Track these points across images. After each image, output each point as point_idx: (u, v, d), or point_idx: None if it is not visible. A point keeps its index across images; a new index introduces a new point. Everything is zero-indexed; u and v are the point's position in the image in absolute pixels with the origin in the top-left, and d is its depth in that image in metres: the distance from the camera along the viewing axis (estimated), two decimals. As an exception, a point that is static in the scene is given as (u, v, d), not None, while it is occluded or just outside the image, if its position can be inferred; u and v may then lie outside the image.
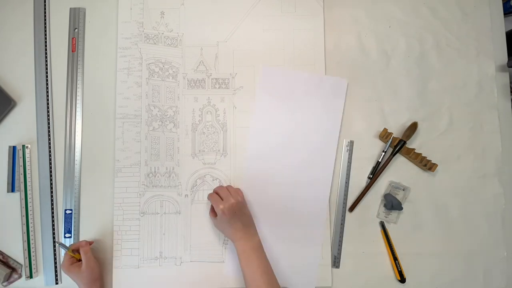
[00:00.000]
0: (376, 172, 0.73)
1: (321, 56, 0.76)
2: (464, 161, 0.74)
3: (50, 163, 0.73)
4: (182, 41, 0.76)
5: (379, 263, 0.71)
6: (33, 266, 0.71)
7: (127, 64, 0.75)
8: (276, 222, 0.71)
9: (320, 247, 0.71)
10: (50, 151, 0.74)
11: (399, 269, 0.70)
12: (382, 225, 0.72)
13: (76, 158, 0.74)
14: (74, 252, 0.67)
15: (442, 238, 0.72)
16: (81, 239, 0.72)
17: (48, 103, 0.75)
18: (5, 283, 0.69)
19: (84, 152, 0.74)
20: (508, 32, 0.78)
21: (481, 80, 0.76)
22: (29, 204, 0.72)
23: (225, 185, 0.72)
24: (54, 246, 0.72)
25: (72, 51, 0.76)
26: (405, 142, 0.72)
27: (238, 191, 0.68)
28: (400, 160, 0.73)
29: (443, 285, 0.71)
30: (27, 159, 0.73)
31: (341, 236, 0.72)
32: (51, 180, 0.73)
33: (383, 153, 0.73)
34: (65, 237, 0.72)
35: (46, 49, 0.76)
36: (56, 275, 0.71)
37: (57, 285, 0.71)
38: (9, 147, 0.73)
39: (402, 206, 0.71)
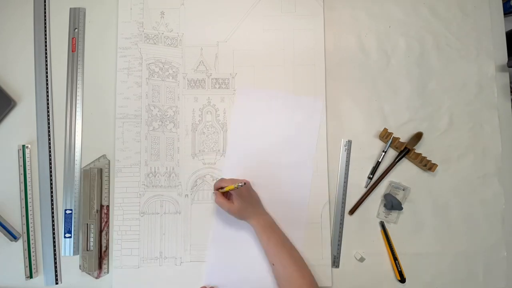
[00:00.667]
0: (378, 175, 0.73)
1: (321, 56, 0.76)
2: (464, 161, 0.74)
3: (50, 163, 0.73)
4: (182, 41, 0.76)
5: (379, 263, 0.71)
6: (33, 266, 0.71)
7: (127, 64, 0.75)
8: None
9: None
10: (50, 151, 0.74)
11: (399, 269, 0.70)
12: (382, 225, 0.72)
13: (76, 158, 0.74)
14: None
15: (442, 238, 0.72)
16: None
17: (48, 103, 0.75)
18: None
19: (84, 152, 0.74)
20: (508, 32, 0.78)
21: (481, 80, 0.76)
22: (29, 204, 0.72)
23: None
24: (54, 246, 0.72)
25: (72, 51, 0.76)
26: (409, 150, 0.72)
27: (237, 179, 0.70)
28: (400, 160, 0.73)
29: (443, 285, 0.71)
30: (27, 159, 0.73)
31: (340, 236, 0.72)
32: (51, 180, 0.73)
33: (383, 153, 0.73)
34: (65, 237, 0.72)
35: (46, 49, 0.76)
36: (56, 275, 0.71)
37: (57, 285, 0.71)
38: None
39: (402, 206, 0.71)
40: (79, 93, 0.75)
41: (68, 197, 0.73)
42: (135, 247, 0.71)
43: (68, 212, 0.72)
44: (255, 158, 0.73)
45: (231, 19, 0.77)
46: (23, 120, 0.74)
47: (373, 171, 0.73)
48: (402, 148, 0.72)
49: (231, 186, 0.64)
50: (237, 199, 0.66)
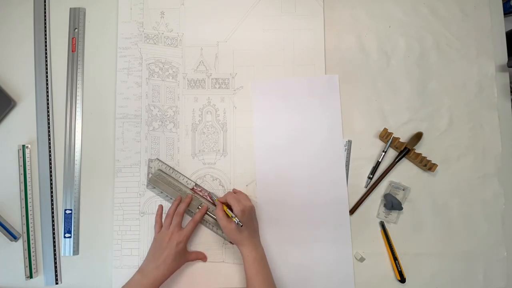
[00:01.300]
0: (378, 175, 0.73)
1: (321, 56, 0.76)
2: (464, 161, 0.74)
3: (50, 163, 0.73)
4: (182, 41, 0.76)
5: (379, 263, 0.71)
6: (33, 266, 0.71)
7: (127, 64, 0.75)
8: (299, 225, 0.71)
9: (349, 242, 0.71)
10: (50, 151, 0.74)
11: (399, 269, 0.70)
12: (382, 225, 0.72)
13: (76, 158, 0.74)
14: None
15: (442, 238, 0.72)
16: (81, 239, 0.72)
17: (48, 103, 0.75)
18: None
19: (84, 152, 0.74)
20: (508, 32, 0.78)
21: (481, 80, 0.76)
22: (29, 204, 0.72)
23: (225, 185, 0.73)
24: (54, 246, 0.72)
25: (72, 51, 0.76)
26: (409, 150, 0.72)
27: (247, 196, 0.68)
28: (400, 160, 0.73)
29: (443, 285, 0.71)
30: (27, 159, 0.73)
31: (341, 236, 0.72)
32: (51, 180, 0.73)
33: (383, 153, 0.73)
34: (65, 237, 0.72)
35: (46, 49, 0.76)
36: (56, 275, 0.71)
37: (57, 285, 0.71)
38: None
39: (402, 206, 0.70)
40: (79, 93, 0.75)
41: (68, 197, 0.73)
42: (135, 247, 0.71)
43: (68, 212, 0.72)
44: (282, 163, 0.73)
45: (231, 19, 0.77)
46: (23, 120, 0.74)
47: (373, 171, 0.73)
48: (402, 148, 0.72)
49: (230, 214, 0.64)
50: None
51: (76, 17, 0.77)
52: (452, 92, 0.76)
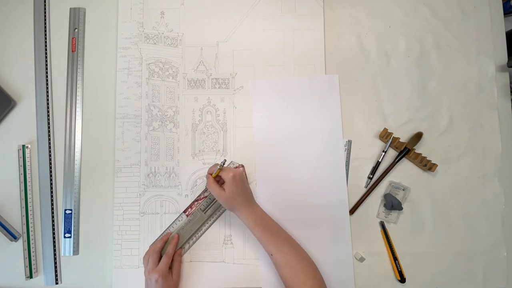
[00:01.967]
0: (378, 175, 0.73)
1: (321, 56, 0.76)
2: (464, 161, 0.74)
3: (50, 163, 0.73)
4: (182, 41, 0.76)
5: (379, 263, 0.71)
6: (33, 266, 0.71)
7: (127, 64, 0.76)
8: (299, 225, 0.71)
9: (349, 242, 0.71)
10: (50, 151, 0.74)
11: (399, 269, 0.70)
12: (382, 225, 0.72)
13: (76, 158, 0.74)
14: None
15: (442, 238, 0.72)
16: (81, 239, 0.72)
17: (48, 103, 0.75)
18: None
19: (84, 152, 0.74)
20: (508, 32, 0.78)
21: (481, 80, 0.76)
22: (29, 204, 0.72)
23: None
24: (54, 246, 0.72)
25: (72, 51, 0.76)
26: (409, 150, 0.72)
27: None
28: (400, 160, 0.73)
29: (443, 285, 0.71)
30: (27, 159, 0.73)
31: (341, 236, 0.72)
32: (51, 180, 0.73)
33: (383, 153, 0.73)
34: (65, 237, 0.72)
35: (46, 49, 0.76)
36: (56, 275, 0.71)
37: (57, 285, 0.71)
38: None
39: (402, 206, 0.70)
40: (79, 93, 0.75)
41: (68, 197, 0.73)
42: (135, 247, 0.71)
43: (68, 212, 0.72)
44: (282, 164, 0.73)
45: (231, 19, 0.77)
46: (23, 120, 0.74)
47: (373, 171, 0.73)
48: (402, 148, 0.72)
49: (218, 171, 0.65)
50: (229, 186, 0.64)
51: (76, 17, 0.77)
52: (452, 92, 0.76)
